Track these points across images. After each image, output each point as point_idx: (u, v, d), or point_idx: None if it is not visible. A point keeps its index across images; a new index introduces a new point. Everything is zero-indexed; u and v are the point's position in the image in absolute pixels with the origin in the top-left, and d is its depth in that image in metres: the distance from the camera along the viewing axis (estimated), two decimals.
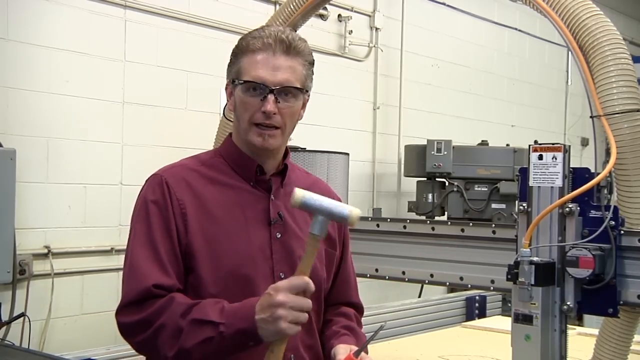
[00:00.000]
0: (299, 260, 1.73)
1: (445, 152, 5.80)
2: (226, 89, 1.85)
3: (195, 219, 1.75)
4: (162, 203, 1.75)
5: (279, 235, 1.80)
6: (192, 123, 4.79)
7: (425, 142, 5.87)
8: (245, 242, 1.76)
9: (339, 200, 1.77)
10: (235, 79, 1.79)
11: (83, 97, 4.30)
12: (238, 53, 1.80)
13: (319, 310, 1.88)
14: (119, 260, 4.47)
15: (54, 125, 4.17)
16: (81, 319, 4.28)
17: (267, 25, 1.89)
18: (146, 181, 1.83)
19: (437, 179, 5.98)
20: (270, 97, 1.74)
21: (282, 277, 1.75)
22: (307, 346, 1.82)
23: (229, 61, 1.83)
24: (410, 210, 6.06)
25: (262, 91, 1.74)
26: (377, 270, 2.75)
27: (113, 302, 4.96)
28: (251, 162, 1.82)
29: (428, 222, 2.72)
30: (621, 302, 2.15)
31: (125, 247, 1.81)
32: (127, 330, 1.73)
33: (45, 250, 4.13)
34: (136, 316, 1.69)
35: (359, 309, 2.04)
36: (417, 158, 5.92)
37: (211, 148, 3.16)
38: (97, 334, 4.22)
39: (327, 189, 1.98)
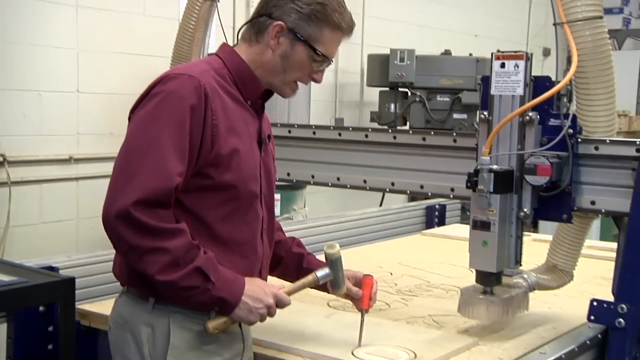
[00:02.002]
0: (273, 179, 2.00)
1: (408, 62, 5.76)
2: (275, 27, 1.85)
3: (223, 131, 1.79)
4: (199, 110, 1.75)
5: (262, 155, 1.94)
6: (149, 29, 4.65)
7: (388, 52, 5.81)
8: (253, 159, 1.88)
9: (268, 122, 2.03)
10: (307, 41, 1.85)
11: (35, 0, 4.13)
12: (321, 18, 1.85)
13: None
14: (78, 170, 4.43)
15: (5, 29, 4.01)
16: (40, 228, 4.25)
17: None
18: (175, 77, 1.77)
19: (399, 89, 5.96)
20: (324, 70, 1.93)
21: (264, 193, 1.93)
22: (270, 238, 2.02)
23: (296, 6, 1.84)
24: (372, 120, 6.06)
25: (324, 65, 1.90)
26: (338, 179, 2.76)
27: (72, 211, 4.95)
28: (260, 86, 1.92)
29: (390, 131, 2.71)
30: (575, 208, 2.21)
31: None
32: (135, 227, 1.68)
33: (1, 159, 4.05)
34: (152, 220, 1.68)
35: None
36: (380, 67, 5.88)
37: (169, 55, 3.09)
38: (57, 242, 4.22)
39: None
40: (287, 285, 1.96)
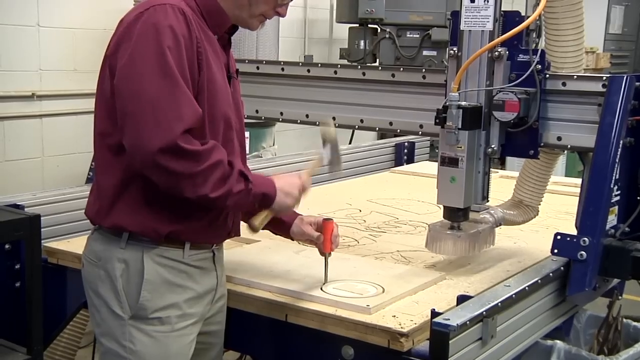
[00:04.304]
0: (242, 114, 2.03)
1: None
2: None
3: (204, 59, 1.81)
4: (188, 38, 1.77)
5: (232, 90, 1.95)
6: None
7: None
8: (227, 91, 1.91)
9: None
10: None
11: None
12: None
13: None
14: (41, 107, 4.34)
15: None
16: (4, 166, 4.18)
17: None
18: (157, 8, 1.76)
19: (369, 26, 5.90)
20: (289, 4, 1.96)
21: (236, 128, 1.94)
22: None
23: None
24: (342, 57, 6.01)
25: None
26: (307, 116, 2.74)
27: (37, 149, 4.85)
28: (227, 20, 1.92)
29: (359, 67, 2.68)
30: (542, 144, 2.23)
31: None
32: (186, 156, 1.71)
33: None
34: (194, 146, 1.73)
35: None
36: (350, 3, 5.80)
37: None
38: (21, 180, 4.16)
39: None
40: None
